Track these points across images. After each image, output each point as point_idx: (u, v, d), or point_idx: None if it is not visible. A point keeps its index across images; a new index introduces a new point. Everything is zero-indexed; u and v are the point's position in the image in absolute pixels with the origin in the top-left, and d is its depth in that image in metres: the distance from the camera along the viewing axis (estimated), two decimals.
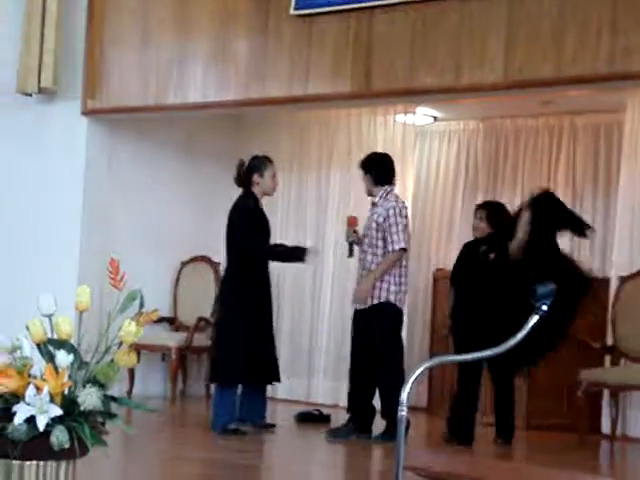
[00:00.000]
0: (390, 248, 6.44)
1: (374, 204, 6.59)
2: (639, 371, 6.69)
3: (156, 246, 8.20)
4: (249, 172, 6.52)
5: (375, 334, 6.41)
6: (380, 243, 6.48)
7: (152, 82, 7.32)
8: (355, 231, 6.63)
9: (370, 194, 6.66)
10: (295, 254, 6.60)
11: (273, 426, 6.71)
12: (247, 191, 6.55)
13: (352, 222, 6.67)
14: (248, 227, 6.43)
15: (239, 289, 6.43)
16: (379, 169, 6.58)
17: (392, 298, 6.43)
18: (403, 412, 2.31)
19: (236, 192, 6.97)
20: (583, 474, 2.16)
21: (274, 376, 6.60)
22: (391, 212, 6.45)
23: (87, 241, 7.70)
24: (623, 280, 7.05)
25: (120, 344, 2.94)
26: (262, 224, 6.54)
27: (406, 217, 6.55)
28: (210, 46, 7.08)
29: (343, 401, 7.18)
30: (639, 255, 7.08)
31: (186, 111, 7.39)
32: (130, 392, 7.78)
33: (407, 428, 2.43)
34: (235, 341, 6.36)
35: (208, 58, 7.08)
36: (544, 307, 2.42)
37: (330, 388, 8.16)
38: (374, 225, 6.51)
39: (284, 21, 6.71)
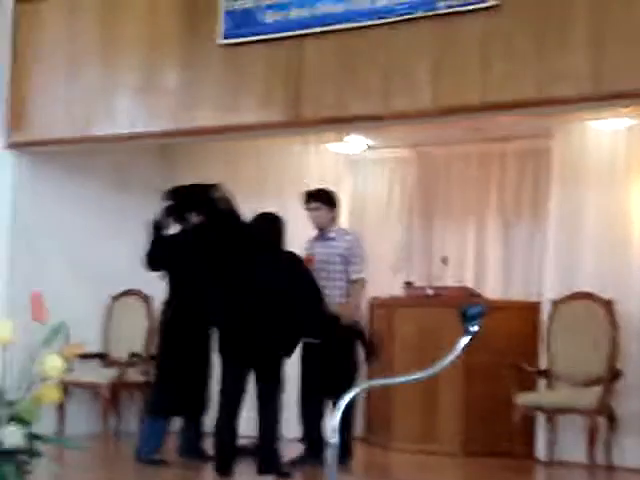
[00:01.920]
0: (354, 277, 6.71)
1: (328, 238, 6.77)
2: (572, 394, 6.74)
3: (86, 281, 8.04)
4: None
5: None
6: (344, 275, 6.70)
7: (78, 113, 7.20)
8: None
9: (322, 227, 6.82)
10: None
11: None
12: None
13: (311, 261, 6.72)
14: None
15: (180, 324, 6.61)
16: (337, 206, 6.89)
17: None
18: (334, 439, 2.26)
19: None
20: None
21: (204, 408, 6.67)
22: (355, 244, 6.77)
23: (12, 275, 7.51)
24: (555, 304, 7.10)
25: (44, 379, 2.85)
26: None
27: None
28: (138, 76, 6.99)
29: None
30: (571, 280, 7.15)
31: (114, 142, 7.29)
32: (62, 431, 7.59)
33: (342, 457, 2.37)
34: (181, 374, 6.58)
35: (136, 88, 7.00)
36: (474, 328, 2.39)
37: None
38: (337, 259, 6.69)
39: (213, 50, 6.67)
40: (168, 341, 6.66)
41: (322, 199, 6.82)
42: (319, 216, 6.80)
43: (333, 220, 6.86)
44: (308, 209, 6.86)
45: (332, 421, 2.20)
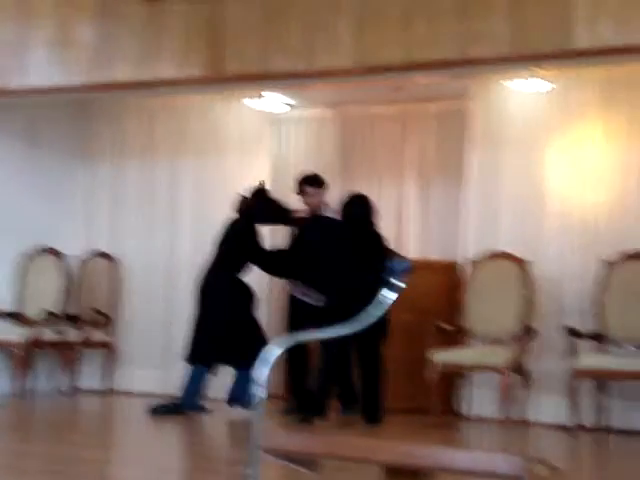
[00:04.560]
0: None
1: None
2: (485, 351, 6.85)
3: None
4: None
5: None
6: None
7: None
8: None
9: (315, 208, 6.96)
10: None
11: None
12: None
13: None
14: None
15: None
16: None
17: None
18: (259, 392, 2.24)
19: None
20: (431, 446, 2.14)
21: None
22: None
23: None
24: (473, 263, 7.19)
25: None
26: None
27: None
28: (54, 30, 6.82)
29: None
30: (489, 240, 7.24)
31: (28, 95, 7.10)
32: None
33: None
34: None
35: (52, 42, 6.82)
36: (401, 284, 2.39)
37: None
38: None
39: (133, 4, 6.52)
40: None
41: (320, 183, 6.97)
42: (314, 197, 6.94)
43: (325, 203, 7.00)
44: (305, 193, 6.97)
45: (259, 374, 2.18)
